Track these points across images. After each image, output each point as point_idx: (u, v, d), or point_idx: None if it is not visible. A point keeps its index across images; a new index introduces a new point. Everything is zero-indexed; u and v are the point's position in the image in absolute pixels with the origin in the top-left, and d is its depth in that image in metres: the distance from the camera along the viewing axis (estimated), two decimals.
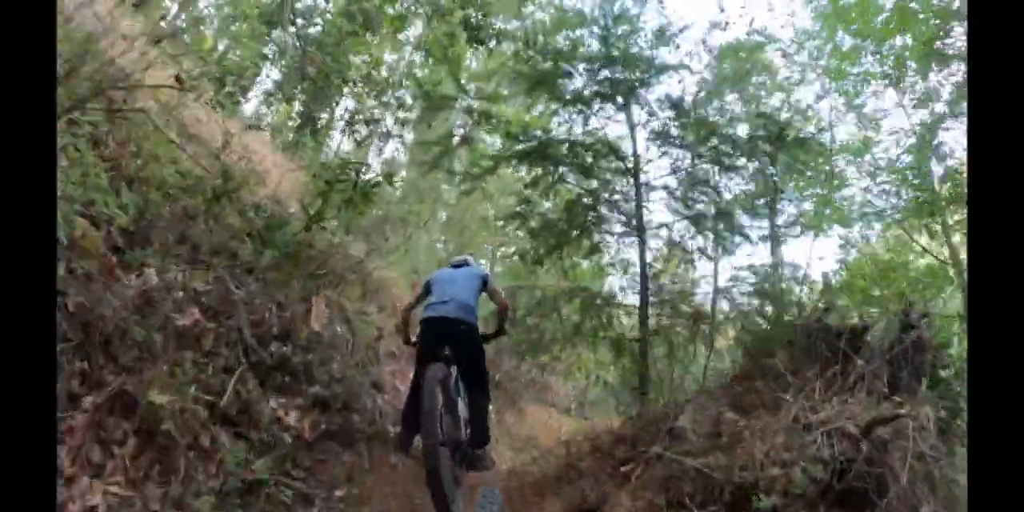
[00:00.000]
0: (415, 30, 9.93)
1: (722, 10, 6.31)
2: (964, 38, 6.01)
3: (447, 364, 3.95)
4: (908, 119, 8.66)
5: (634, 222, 7.23)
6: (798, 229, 7.63)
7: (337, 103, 7.83)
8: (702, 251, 7.69)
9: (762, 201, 7.35)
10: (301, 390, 4.19)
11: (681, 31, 6.87)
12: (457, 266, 4.83)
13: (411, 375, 4.85)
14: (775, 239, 8.47)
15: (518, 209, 7.85)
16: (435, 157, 7.10)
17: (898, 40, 7.60)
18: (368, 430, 4.72)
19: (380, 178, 5.16)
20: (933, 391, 3.82)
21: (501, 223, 8.96)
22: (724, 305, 7.15)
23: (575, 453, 4.82)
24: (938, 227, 7.44)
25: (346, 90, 7.94)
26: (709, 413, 3.96)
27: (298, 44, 7.82)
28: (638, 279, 6.87)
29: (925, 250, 7.82)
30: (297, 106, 8.12)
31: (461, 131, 7.81)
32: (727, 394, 4.62)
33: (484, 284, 4.56)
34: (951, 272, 7.06)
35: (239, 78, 7.68)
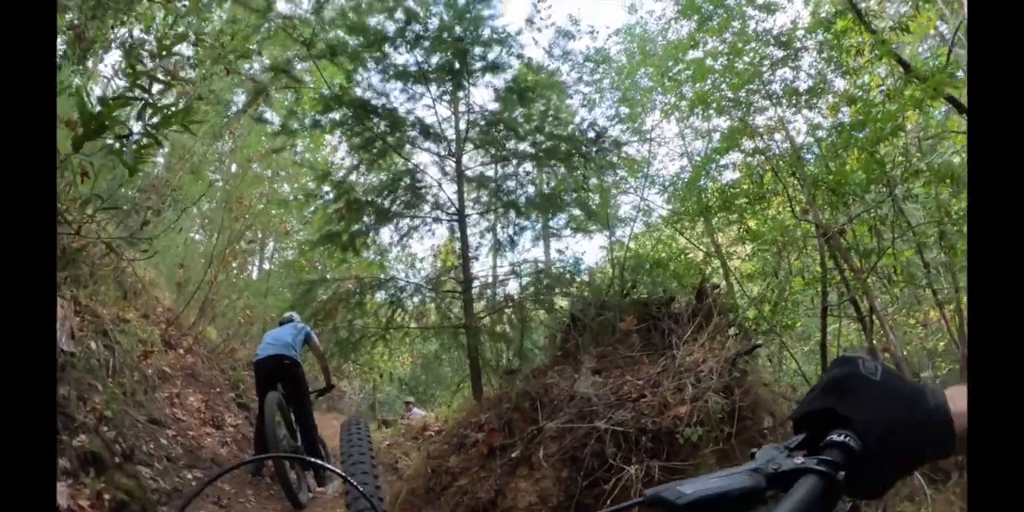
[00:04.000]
0: None
1: (533, 22, 6.19)
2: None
3: (280, 391, 4.86)
4: (686, 145, 9.89)
5: (453, 207, 6.70)
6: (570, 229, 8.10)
7: (122, 22, 5.60)
8: (511, 240, 7.41)
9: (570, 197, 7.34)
10: (60, 444, 2.76)
11: (515, 35, 6.50)
12: (282, 323, 5.58)
13: (191, 400, 5.42)
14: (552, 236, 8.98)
15: (324, 186, 6.79)
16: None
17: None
18: (165, 485, 3.38)
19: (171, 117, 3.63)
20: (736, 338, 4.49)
21: (299, 200, 7.69)
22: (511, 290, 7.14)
23: (436, 455, 4.14)
24: (704, 227, 8.59)
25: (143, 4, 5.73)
26: (586, 378, 3.88)
27: None
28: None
29: (695, 245, 8.81)
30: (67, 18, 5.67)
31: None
32: (566, 364, 4.57)
33: (307, 338, 5.38)
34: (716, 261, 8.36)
35: None
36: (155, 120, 3.82)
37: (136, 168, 3.63)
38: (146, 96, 3.82)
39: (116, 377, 4.37)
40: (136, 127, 3.82)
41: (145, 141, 3.84)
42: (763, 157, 6.99)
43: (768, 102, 6.82)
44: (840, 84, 6.89)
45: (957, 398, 0.54)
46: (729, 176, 8.12)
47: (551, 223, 7.69)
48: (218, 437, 5.11)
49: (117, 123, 3.81)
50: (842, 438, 0.52)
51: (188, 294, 7.49)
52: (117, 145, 3.63)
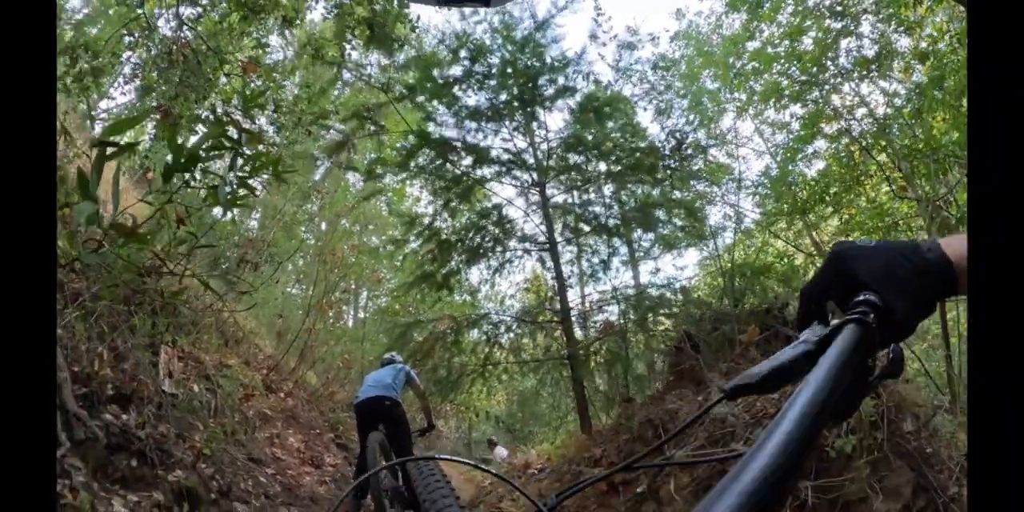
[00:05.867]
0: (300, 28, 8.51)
1: (596, 37, 6.15)
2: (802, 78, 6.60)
3: (382, 432, 4.74)
4: (765, 142, 9.45)
5: (542, 236, 6.58)
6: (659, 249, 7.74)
7: (204, 97, 6.16)
8: (604, 264, 7.16)
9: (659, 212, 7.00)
10: (156, 478, 2.77)
11: (579, 56, 6.52)
12: (384, 364, 5.47)
13: (291, 441, 5.44)
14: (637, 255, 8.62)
15: (408, 234, 6.89)
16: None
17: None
18: None
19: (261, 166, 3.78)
20: None
21: (389, 248, 7.85)
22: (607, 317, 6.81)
23: (546, 496, 3.84)
24: (801, 225, 8.08)
25: (222, 80, 6.34)
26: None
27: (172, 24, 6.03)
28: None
29: (796, 248, 8.17)
30: (153, 100, 6.36)
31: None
32: (682, 386, 4.33)
33: (408, 378, 5.21)
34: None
35: (95, 56, 5.74)
36: (247, 170, 4.02)
37: (229, 208, 3.78)
38: (235, 147, 4.02)
39: (217, 418, 4.46)
40: (229, 177, 4.04)
41: (240, 191, 4.05)
42: (848, 138, 6.53)
43: (840, 78, 6.41)
44: (905, 43, 6.41)
45: (953, 243, 0.58)
46: (817, 167, 7.65)
47: (638, 244, 7.41)
48: (317, 476, 5.08)
49: (207, 172, 4.06)
50: (864, 297, 0.56)
51: (288, 342, 7.74)
52: (212, 191, 3.84)
